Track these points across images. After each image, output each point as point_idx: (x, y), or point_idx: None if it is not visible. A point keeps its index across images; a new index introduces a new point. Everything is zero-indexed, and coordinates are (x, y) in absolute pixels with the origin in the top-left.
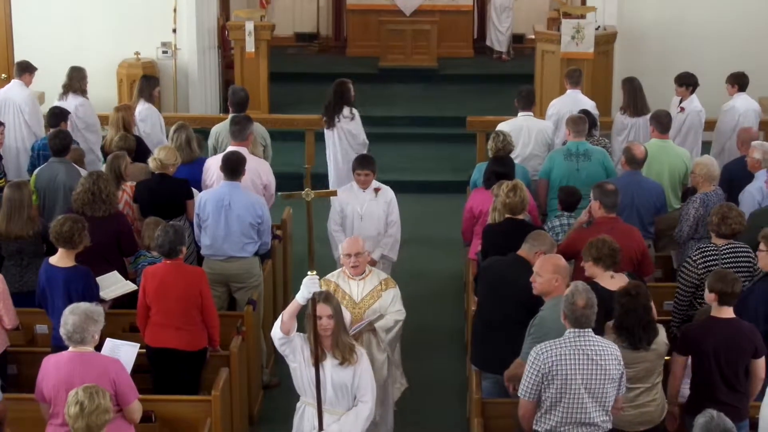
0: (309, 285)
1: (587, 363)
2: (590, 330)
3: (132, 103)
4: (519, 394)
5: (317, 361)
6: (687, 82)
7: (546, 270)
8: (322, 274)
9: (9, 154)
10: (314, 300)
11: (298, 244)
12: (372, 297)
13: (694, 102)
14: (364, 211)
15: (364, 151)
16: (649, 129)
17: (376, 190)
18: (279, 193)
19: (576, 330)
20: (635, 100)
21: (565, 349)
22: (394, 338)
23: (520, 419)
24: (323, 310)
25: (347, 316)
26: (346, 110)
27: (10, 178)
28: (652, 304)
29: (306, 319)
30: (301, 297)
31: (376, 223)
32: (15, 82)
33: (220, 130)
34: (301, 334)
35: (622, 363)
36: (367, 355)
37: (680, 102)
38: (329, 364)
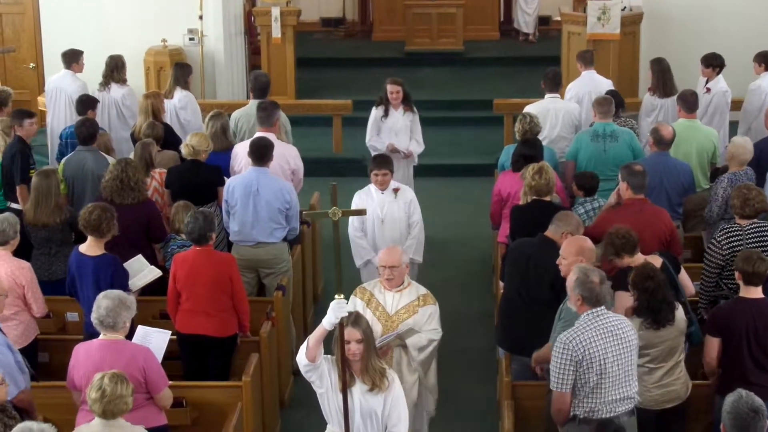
0: (336, 310)
1: (612, 340)
2: (603, 306)
3: (166, 91)
4: (553, 388)
5: (345, 389)
6: (713, 63)
7: (570, 252)
8: (346, 287)
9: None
10: (342, 325)
11: (327, 229)
12: (407, 311)
13: (720, 83)
14: (385, 213)
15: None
16: (674, 109)
17: (395, 190)
18: (303, 211)
19: (594, 310)
20: (663, 81)
21: (591, 332)
22: (427, 359)
23: (557, 413)
24: (352, 334)
25: (377, 328)
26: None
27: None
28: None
29: (334, 342)
30: (328, 323)
31: (398, 225)
32: (65, 73)
33: (240, 115)
34: (329, 356)
35: (635, 330)
36: (397, 371)
37: (706, 83)
38: (358, 390)
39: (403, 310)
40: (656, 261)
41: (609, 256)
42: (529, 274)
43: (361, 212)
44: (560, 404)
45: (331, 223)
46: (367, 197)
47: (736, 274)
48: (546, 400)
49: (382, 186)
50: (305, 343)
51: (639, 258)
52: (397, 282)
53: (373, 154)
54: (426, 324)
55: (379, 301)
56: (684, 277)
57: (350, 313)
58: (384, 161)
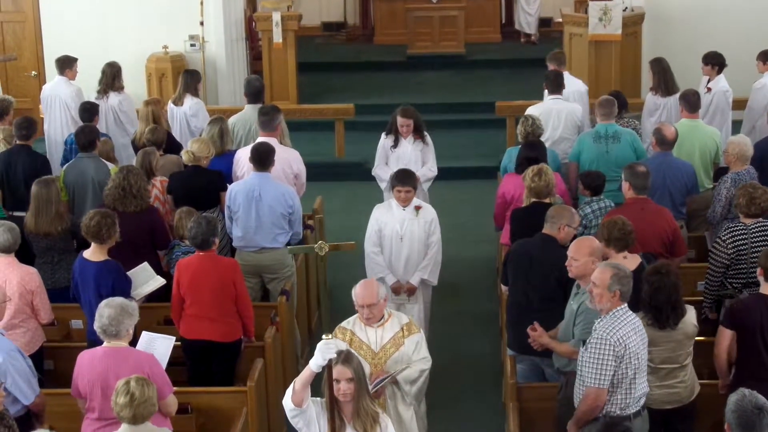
0: (324, 351)
1: (638, 335)
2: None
3: (176, 98)
4: (593, 384)
5: None
6: (713, 62)
7: (582, 253)
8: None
9: (57, 150)
10: (330, 368)
11: (330, 234)
12: (393, 345)
13: (720, 82)
14: (404, 230)
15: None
16: (676, 108)
17: (417, 208)
18: (287, 247)
19: (623, 306)
20: (665, 80)
21: (626, 327)
22: (421, 390)
23: (591, 410)
24: (342, 372)
25: (366, 369)
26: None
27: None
28: (680, 283)
29: (323, 384)
30: (315, 365)
31: (416, 244)
32: (60, 79)
33: (235, 121)
34: (318, 399)
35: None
36: (393, 410)
37: (708, 82)
38: None
39: (389, 345)
40: (635, 261)
41: (599, 239)
42: (533, 274)
43: (349, 246)
44: (597, 401)
45: (337, 229)
46: (387, 212)
47: (758, 270)
48: (558, 401)
49: (405, 203)
50: (291, 386)
51: (618, 257)
52: (377, 318)
53: (379, 182)
54: (415, 353)
55: (361, 340)
56: None
57: (340, 351)
58: (408, 177)
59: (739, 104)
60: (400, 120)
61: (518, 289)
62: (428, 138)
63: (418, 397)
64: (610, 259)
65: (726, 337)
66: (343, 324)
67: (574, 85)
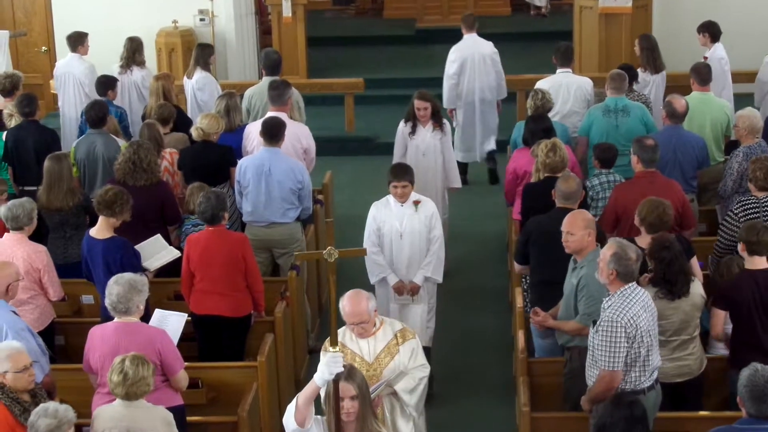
0: (330, 364)
1: (647, 312)
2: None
3: (188, 71)
4: (609, 367)
5: None
6: (707, 31)
7: (578, 226)
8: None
9: (72, 127)
10: (336, 383)
11: (340, 208)
12: (387, 354)
13: (717, 51)
14: (404, 227)
15: None
16: (663, 85)
17: (416, 202)
18: (295, 253)
19: (630, 285)
20: (654, 57)
21: (635, 306)
22: (421, 399)
23: (606, 392)
24: (345, 390)
25: None
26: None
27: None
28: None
29: (325, 401)
30: (320, 379)
31: (417, 240)
32: (72, 56)
33: (253, 93)
34: (320, 417)
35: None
36: (391, 425)
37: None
38: None
39: (383, 354)
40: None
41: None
42: (554, 250)
43: (360, 252)
44: (613, 383)
45: (346, 203)
46: (385, 209)
47: (740, 245)
48: (564, 375)
49: (402, 198)
50: (293, 402)
51: (646, 238)
52: (369, 332)
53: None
54: (411, 361)
55: (354, 351)
56: (694, 262)
57: (345, 366)
58: (404, 171)
59: (750, 77)
60: (417, 103)
61: (541, 266)
62: (447, 126)
63: (419, 407)
64: (639, 237)
65: (720, 317)
66: None
67: (482, 46)
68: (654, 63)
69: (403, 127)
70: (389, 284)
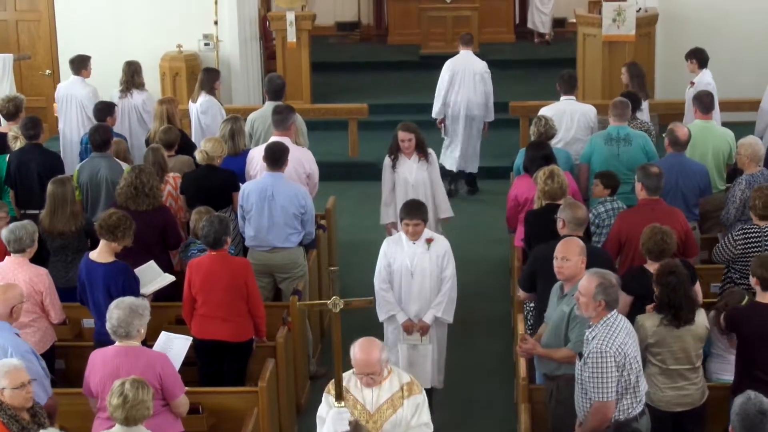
0: (336, 421)
1: (631, 338)
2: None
3: (193, 95)
4: (601, 398)
5: None
6: (694, 57)
7: (573, 252)
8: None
9: (72, 150)
10: None
11: (343, 233)
12: (390, 406)
13: (704, 77)
14: (415, 266)
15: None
16: (649, 114)
17: (429, 240)
18: (298, 303)
19: (614, 313)
20: (641, 85)
21: (621, 334)
22: None
23: (602, 423)
24: None
25: None
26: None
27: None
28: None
29: None
30: None
31: (428, 279)
32: (75, 79)
33: (255, 117)
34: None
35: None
36: None
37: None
38: None
39: (386, 406)
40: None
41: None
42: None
43: (367, 302)
44: (608, 413)
45: (349, 229)
46: (396, 246)
47: (753, 279)
48: (550, 408)
49: (414, 237)
50: None
51: (653, 265)
52: (377, 382)
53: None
54: (414, 418)
55: (356, 398)
56: (697, 289)
57: (351, 421)
58: (416, 209)
59: (753, 105)
60: (401, 135)
61: (546, 299)
62: (433, 156)
63: None
64: (648, 263)
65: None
66: None
67: (475, 63)
68: (644, 89)
69: (387, 160)
70: (398, 322)
